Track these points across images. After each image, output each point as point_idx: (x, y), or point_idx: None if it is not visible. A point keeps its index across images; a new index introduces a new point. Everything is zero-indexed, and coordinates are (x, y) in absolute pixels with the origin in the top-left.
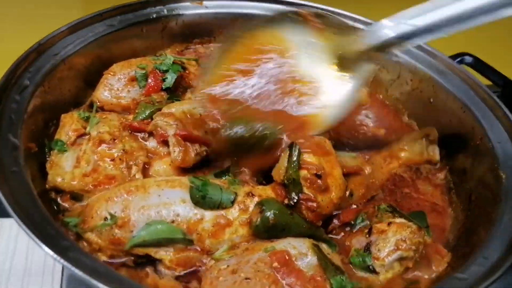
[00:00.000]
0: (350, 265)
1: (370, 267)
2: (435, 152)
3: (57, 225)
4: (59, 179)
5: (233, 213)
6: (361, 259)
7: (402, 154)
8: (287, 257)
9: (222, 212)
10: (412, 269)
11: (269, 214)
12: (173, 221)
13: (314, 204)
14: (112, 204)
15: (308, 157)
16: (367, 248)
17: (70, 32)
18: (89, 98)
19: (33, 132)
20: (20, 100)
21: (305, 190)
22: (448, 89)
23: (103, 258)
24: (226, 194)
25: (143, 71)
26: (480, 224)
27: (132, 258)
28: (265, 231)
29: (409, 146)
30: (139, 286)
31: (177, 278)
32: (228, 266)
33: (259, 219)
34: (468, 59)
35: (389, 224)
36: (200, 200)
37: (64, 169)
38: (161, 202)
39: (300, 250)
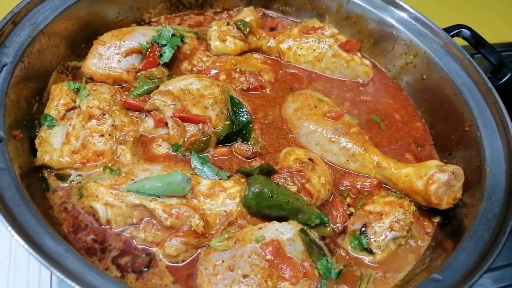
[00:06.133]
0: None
1: (368, 249)
2: None
3: (49, 228)
4: (47, 157)
5: (228, 183)
6: (358, 242)
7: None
8: (278, 246)
9: (219, 181)
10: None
11: (256, 184)
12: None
13: (305, 175)
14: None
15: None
16: (363, 231)
17: None
18: (74, 64)
19: (16, 116)
20: None
21: (295, 165)
22: (442, 68)
23: (100, 204)
24: (223, 172)
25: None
26: (460, 219)
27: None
28: (254, 199)
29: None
30: None
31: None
32: (223, 261)
33: (247, 190)
34: (465, 32)
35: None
36: (200, 166)
37: (53, 146)
38: (162, 170)
39: (288, 236)
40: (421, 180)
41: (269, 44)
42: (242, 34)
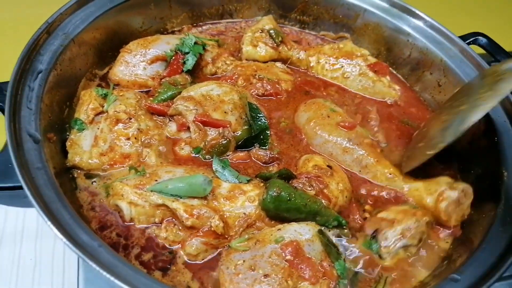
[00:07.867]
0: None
1: (377, 254)
2: None
3: (84, 224)
4: (77, 159)
5: (248, 187)
6: (368, 247)
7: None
8: (297, 247)
9: (239, 184)
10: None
11: (274, 187)
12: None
13: (323, 181)
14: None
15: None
16: (374, 236)
17: (78, 7)
18: (101, 71)
19: (50, 119)
20: (35, 88)
21: (314, 171)
22: (458, 75)
23: (124, 203)
24: (243, 176)
25: (171, 53)
26: (478, 223)
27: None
28: (272, 203)
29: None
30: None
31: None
32: (244, 261)
33: (265, 194)
34: (481, 40)
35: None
36: (220, 169)
37: (83, 148)
38: (185, 172)
39: (307, 237)
40: (431, 196)
41: (298, 56)
42: (273, 42)
